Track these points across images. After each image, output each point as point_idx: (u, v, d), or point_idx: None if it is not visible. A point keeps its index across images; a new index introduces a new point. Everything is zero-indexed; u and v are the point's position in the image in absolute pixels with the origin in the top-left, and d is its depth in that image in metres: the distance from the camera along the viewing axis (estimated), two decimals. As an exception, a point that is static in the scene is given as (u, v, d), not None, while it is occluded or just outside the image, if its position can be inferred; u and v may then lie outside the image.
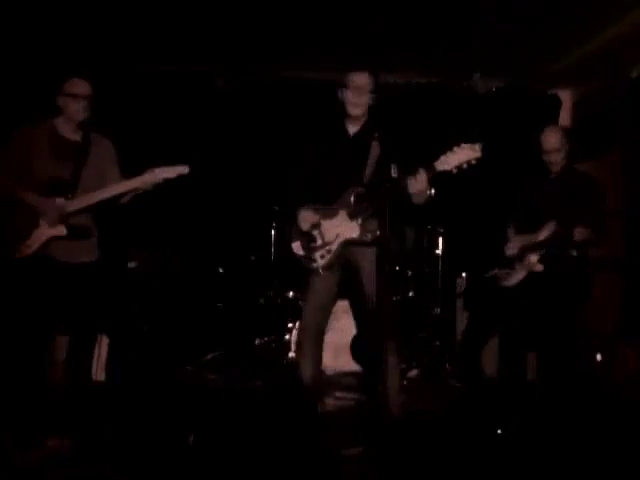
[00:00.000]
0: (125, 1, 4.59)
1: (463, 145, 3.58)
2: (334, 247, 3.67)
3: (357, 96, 3.70)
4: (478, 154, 3.60)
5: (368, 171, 3.71)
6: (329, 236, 3.68)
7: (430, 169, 3.58)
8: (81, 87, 3.62)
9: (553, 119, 5.91)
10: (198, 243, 5.79)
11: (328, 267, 3.68)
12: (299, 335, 3.82)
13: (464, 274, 5.69)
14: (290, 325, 4.98)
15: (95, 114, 3.70)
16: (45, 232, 3.52)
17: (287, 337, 4.97)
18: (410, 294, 5.44)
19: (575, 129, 6.07)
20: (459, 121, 6.09)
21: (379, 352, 3.40)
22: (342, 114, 3.77)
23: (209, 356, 5.27)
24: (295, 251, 3.72)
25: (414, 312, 5.46)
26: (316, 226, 3.68)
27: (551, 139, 4.01)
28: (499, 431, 3.60)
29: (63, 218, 3.53)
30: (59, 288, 3.55)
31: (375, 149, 3.74)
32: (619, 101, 5.43)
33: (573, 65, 5.59)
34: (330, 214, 3.69)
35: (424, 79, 6.06)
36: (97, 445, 3.36)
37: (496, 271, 4.18)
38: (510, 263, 4.11)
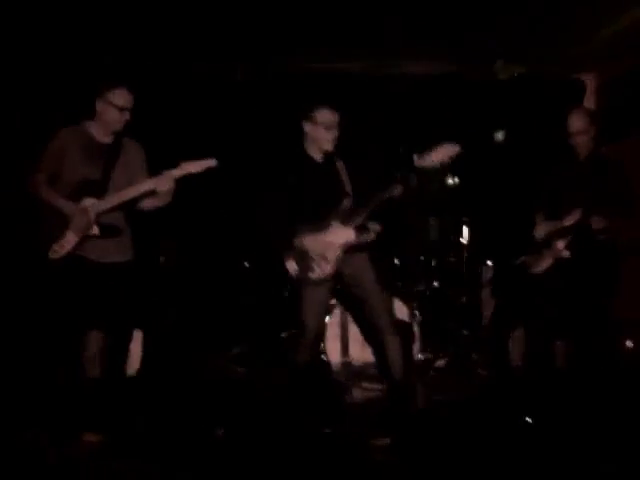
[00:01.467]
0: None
1: (442, 144, 3.75)
2: (331, 254, 3.79)
3: (330, 133, 3.86)
4: (456, 149, 3.78)
5: (347, 186, 3.91)
6: (325, 246, 3.80)
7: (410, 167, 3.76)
8: (126, 99, 3.65)
9: (577, 104, 5.83)
10: (224, 237, 5.82)
11: (326, 275, 3.79)
12: (301, 340, 3.90)
13: (489, 262, 5.66)
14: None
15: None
16: (78, 233, 3.56)
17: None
18: (435, 284, 5.43)
19: (600, 113, 6.00)
20: (483, 108, 6.06)
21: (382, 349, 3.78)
22: (302, 143, 3.94)
23: (236, 350, 5.31)
24: (292, 272, 3.82)
25: (440, 302, 5.45)
26: (307, 241, 3.79)
27: (578, 121, 3.98)
28: (529, 419, 3.59)
29: (91, 222, 3.56)
30: (94, 288, 3.58)
31: (342, 168, 3.96)
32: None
33: (596, 49, 5.50)
34: (322, 228, 3.83)
35: (446, 67, 6.01)
36: (130, 440, 3.41)
37: (524, 258, 4.15)
38: (538, 250, 4.08)
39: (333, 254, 3.80)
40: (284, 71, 5.93)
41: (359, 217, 3.82)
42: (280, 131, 5.88)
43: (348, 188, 3.95)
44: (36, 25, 4.97)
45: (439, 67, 6.01)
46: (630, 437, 3.32)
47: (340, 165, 4.01)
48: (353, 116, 5.56)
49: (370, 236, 3.86)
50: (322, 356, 4.77)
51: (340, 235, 3.81)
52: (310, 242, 3.80)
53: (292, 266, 3.81)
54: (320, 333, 4.03)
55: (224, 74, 5.90)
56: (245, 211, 5.71)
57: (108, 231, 3.61)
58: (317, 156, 3.97)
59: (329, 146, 3.91)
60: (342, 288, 4.00)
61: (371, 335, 4.03)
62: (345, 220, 3.83)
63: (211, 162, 3.61)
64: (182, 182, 3.66)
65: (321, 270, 3.78)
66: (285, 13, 4.91)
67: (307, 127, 3.91)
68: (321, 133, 3.87)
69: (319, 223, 3.85)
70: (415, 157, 3.71)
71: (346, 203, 3.87)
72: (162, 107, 5.63)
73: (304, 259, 3.80)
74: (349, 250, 3.83)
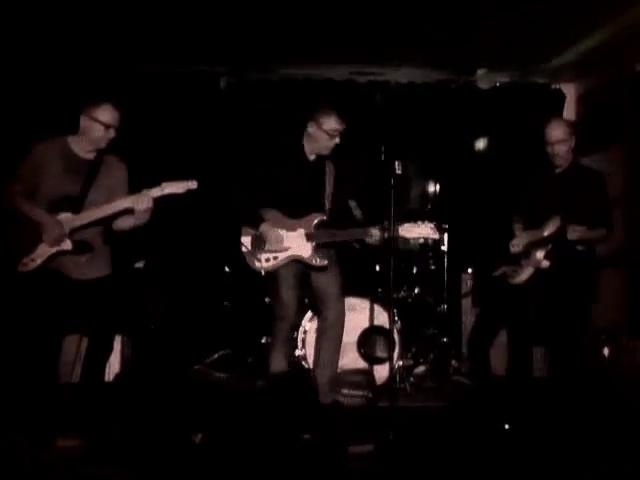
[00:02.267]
0: (127, 1, 4.60)
1: (427, 223, 3.92)
2: (281, 257, 3.93)
3: (331, 141, 3.94)
4: (437, 236, 4.01)
5: (327, 196, 4.02)
6: (281, 246, 3.91)
7: (382, 231, 3.89)
8: (112, 116, 3.61)
9: (557, 113, 5.90)
10: (204, 243, 5.79)
11: (269, 271, 3.94)
12: (278, 328, 4.08)
13: (470, 270, 5.69)
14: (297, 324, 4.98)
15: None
16: (50, 247, 3.52)
17: (294, 335, 4.97)
18: (416, 291, 5.44)
19: (579, 123, 6.06)
20: (464, 117, 6.10)
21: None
22: (300, 138, 4.01)
23: (216, 355, 5.29)
24: (242, 245, 3.96)
25: (420, 309, 5.46)
26: (271, 233, 3.89)
27: (556, 131, 4.01)
28: (507, 426, 3.60)
29: (64, 235, 3.52)
30: (68, 300, 3.55)
31: (330, 172, 4.04)
32: (624, 95, 5.42)
33: (577, 59, 5.59)
34: (290, 227, 3.94)
35: (429, 76, 6.05)
36: (107, 445, 3.38)
37: (504, 269, 4.17)
38: (517, 260, 4.10)
39: (282, 258, 3.93)
40: (266, 78, 5.94)
41: (322, 239, 3.95)
42: (263, 139, 5.90)
43: (328, 197, 4.02)
44: (17, 36, 4.95)
45: (422, 75, 6.06)
46: (607, 444, 3.34)
47: (330, 170, 4.05)
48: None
49: (323, 263, 3.97)
50: (302, 362, 4.76)
51: (297, 246, 3.94)
52: (272, 235, 3.89)
53: (246, 242, 3.95)
54: (295, 316, 4.12)
55: (207, 83, 5.89)
56: (225, 216, 5.71)
57: (81, 247, 3.57)
58: (311, 156, 4.02)
59: (326, 151, 3.98)
60: (306, 280, 4.12)
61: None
62: (309, 235, 3.95)
63: (192, 184, 3.61)
64: (161, 200, 3.64)
65: (265, 264, 3.92)
66: (267, 22, 4.92)
67: (311, 128, 3.95)
68: (322, 138, 3.93)
69: (288, 220, 3.95)
70: (400, 227, 3.85)
71: (318, 217, 3.97)
72: (145, 115, 5.61)
73: (259, 244, 3.92)
74: (306, 265, 3.96)
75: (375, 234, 3.91)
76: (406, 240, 3.99)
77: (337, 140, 3.94)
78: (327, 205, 4.05)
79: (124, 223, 3.69)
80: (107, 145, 3.66)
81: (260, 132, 5.64)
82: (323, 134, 3.91)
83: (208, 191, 5.18)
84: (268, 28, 5.02)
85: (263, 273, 3.95)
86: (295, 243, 3.94)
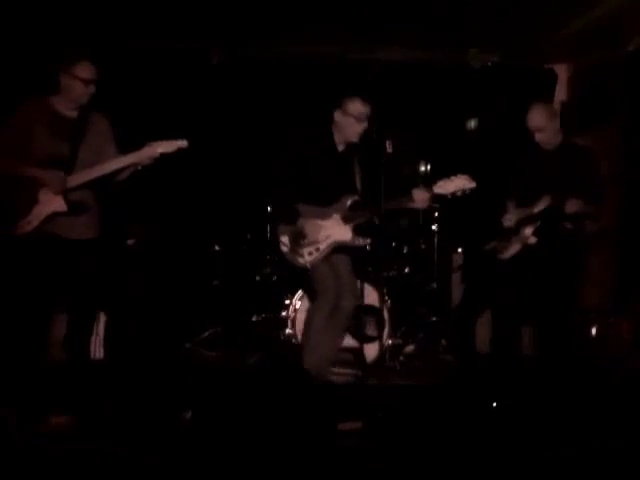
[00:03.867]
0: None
1: (460, 175, 3.79)
2: (323, 246, 3.85)
3: (359, 125, 3.87)
4: (473, 184, 3.82)
5: (358, 184, 3.96)
6: (321, 235, 3.84)
7: (428, 190, 3.80)
8: (90, 72, 3.60)
9: (549, 94, 5.89)
10: (194, 220, 5.78)
11: (314, 264, 3.84)
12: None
13: (460, 249, 5.71)
14: (287, 302, 4.99)
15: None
16: (45, 208, 3.51)
17: (284, 314, 4.99)
18: (406, 270, 5.46)
19: (572, 103, 6.05)
20: (456, 96, 6.08)
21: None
22: (331, 130, 3.95)
23: (206, 333, 5.30)
24: (282, 245, 3.89)
25: (410, 288, 5.48)
26: (309, 226, 3.83)
27: (535, 118, 4.00)
28: (494, 404, 3.64)
29: (65, 185, 3.51)
30: (60, 265, 3.55)
31: (356, 158, 4.00)
32: (616, 74, 5.41)
33: (569, 39, 5.56)
34: (324, 215, 3.86)
35: (420, 55, 6.02)
36: (98, 422, 3.39)
37: (493, 244, 4.19)
38: (507, 236, 4.12)
39: (324, 247, 3.86)
40: (258, 55, 5.90)
41: (360, 219, 3.88)
42: (255, 116, 5.87)
43: (359, 184, 3.98)
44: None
45: (412, 54, 6.02)
46: (592, 422, 3.38)
47: (358, 159, 4.02)
48: (325, 102, 5.55)
49: (365, 241, 3.94)
50: (292, 341, 4.78)
51: (337, 231, 3.87)
52: (310, 227, 3.84)
53: (284, 242, 3.87)
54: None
55: (199, 57, 5.84)
56: (216, 193, 5.67)
57: (76, 208, 3.56)
58: (340, 145, 3.99)
59: (355, 138, 3.93)
60: None
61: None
62: (346, 217, 3.88)
63: (182, 143, 3.58)
64: (154, 162, 3.61)
65: (309, 258, 3.84)
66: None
67: (337, 116, 3.92)
68: (350, 124, 3.89)
69: (322, 209, 3.88)
70: (434, 186, 3.78)
71: (351, 199, 3.91)
72: (136, 91, 5.57)
73: (297, 240, 3.84)
74: (339, 249, 3.89)
75: (419, 195, 3.80)
76: (443, 198, 3.80)
77: (365, 124, 3.88)
78: (359, 187, 4.00)
79: (121, 175, 3.69)
80: (89, 101, 3.64)
81: (264, 114, 5.61)
82: (350, 118, 3.87)
83: (198, 168, 5.19)
84: (259, 4, 4.98)
85: (309, 267, 3.85)
86: (334, 229, 3.87)
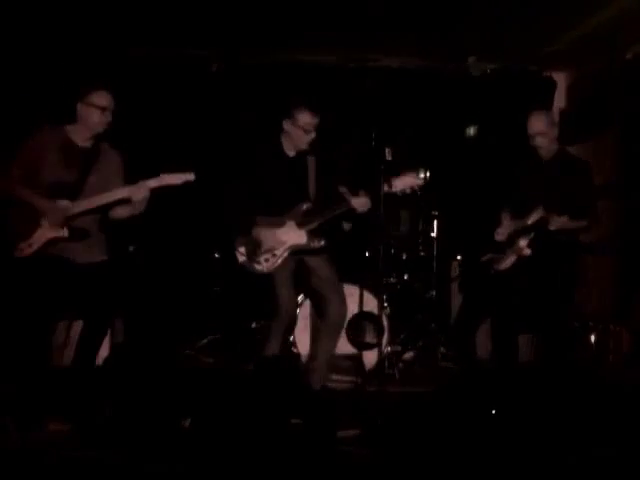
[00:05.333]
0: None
1: (409, 172, 3.92)
2: (279, 252, 3.95)
3: (307, 135, 3.95)
4: (421, 181, 3.96)
5: (311, 188, 4.05)
6: (276, 242, 3.94)
7: (367, 194, 3.94)
8: (107, 100, 3.66)
9: (548, 101, 5.91)
10: (194, 228, 5.78)
11: (272, 269, 3.95)
12: (274, 323, 4.08)
13: (459, 257, 5.71)
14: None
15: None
16: (46, 233, 3.55)
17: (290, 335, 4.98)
18: (405, 277, 5.46)
19: (570, 111, 6.07)
20: (455, 103, 6.10)
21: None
22: (279, 137, 4.03)
23: (206, 340, 5.30)
24: (238, 256, 4.00)
25: (409, 295, 5.48)
26: (264, 233, 3.93)
27: (537, 123, 4.01)
28: (494, 412, 3.63)
29: (65, 220, 3.56)
30: (63, 285, 3.56)
31: (311, 164, 4.06)
32: (614, 83, 5.43)
33: (568, 47, 5.58)
34: (280, 223, 3.97)
35: (420, 62, 6.04)
36: (96, 429, 3.39)
37: (491, 255, 4.20)
38: (502, 247, 4.13)
39: (281, 252, 3.95)
40: (257, 63, 5.91)
41: (314, 223, 3.97)
42: (252, 123, 5.88)
43: (312, 188, 4.05)
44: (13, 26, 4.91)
45: (412, 62, 6.04)
46: (591, 430, 3.38)
47: (311, 163, 4.08)
48: (324, 109, 5.55)
49: (320, 243, 4.00)
50: (292, 348, 4.77)
51: (292, 236, 3.97)
52: (265, 234, 3.93)
53: (241, 252, 3.97)
54: (293, 315, 4.20)
55: (198, 67, 5.86)
56: (212, 198, 5.68)
57: (77, 234, 3.60)
58: (290, 152, 4.04)
59: (305, 146, 4.00)
60: (303, 276, 4.13)
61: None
62: (300, 222, 3.97)
63: (189, 176, 3.65)
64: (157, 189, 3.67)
65: (266, 264, 3.94)
66: (258, 6, 4.90)
67: (286, 125, 3.98)
68: (299, 134, 3.96)
69: (277, 218, 3.98)
70: (384, 185, 3.86)
71: (305, 205, 4.00)
72: (137, 100, 5.58)
73: (255, 249, 3.94)
74: (304, 252, 3.99)
75: (358, 200, 3.93)
76: (395, 197, 3.90)
77: (313, 134, 3.95)
78: (312, 195, 4.06)
79: (121, 212, 3.73)
80: (105, 130, 3.70)
81: (248, 123, 5.64)
82: (299, 130, 3.93)
83: (200, 178, 5.17)
84: (259, 12, 5.00)
85: (266, 272, 3.94)
86: (289, 235, 3.97)
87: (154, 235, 5.58)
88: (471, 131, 6.35)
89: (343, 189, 4.04)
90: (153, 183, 3.62)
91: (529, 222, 3.90)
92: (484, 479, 2.92)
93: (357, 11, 4.94)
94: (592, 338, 4.81)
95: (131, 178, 3.73)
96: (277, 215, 4.00)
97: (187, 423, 3.47)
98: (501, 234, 4.12)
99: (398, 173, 3.88)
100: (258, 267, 3.95)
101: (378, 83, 5.88)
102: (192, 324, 5.40)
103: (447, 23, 5.15)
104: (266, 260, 3.94)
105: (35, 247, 3.53)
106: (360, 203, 3.95)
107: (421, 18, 5.05)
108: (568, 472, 2.96)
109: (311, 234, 3.98)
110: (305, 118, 3.92)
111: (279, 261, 3.96)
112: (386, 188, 3.87)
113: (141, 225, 5.37)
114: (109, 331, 4.52)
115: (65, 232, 3.57)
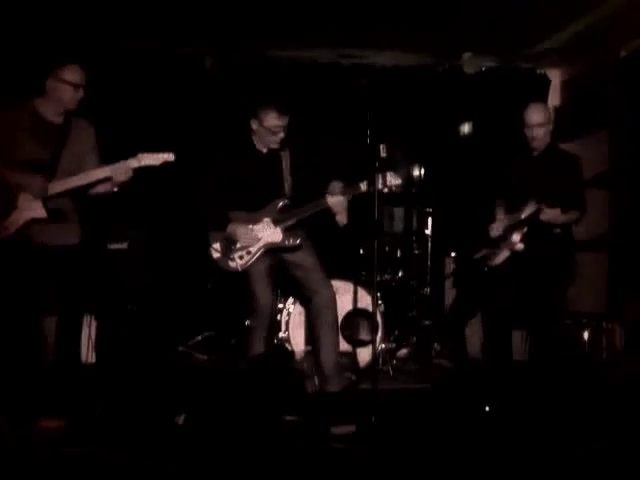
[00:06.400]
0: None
1: (388, 172, 3.87)
2: (254, 249, 3.93)
3: (276, 136, 3.90)
4: (399, 181, 3.91)
5: (287, 184, 4.01)
6: (251, 239, 3.92)
7: (354, 189, 3.90)
8: (79, 75, 3.53)
9: (542, 99, 5.91)
10: (188, 224, 5.76)
11: (246, 267, 3.93)
12: (254, 324, 4.09)
13: (453, 254, 5.71)
14: (280, 306, 4.98)
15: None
16: (24, 214, 3.44)
17: (277, 317, 4.98)
18: (399, 274, 5.46)
19: (564, 108, 6.08)
20: (449, 101, 6.10)
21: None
22: (249, 133, 3.96)
23: (200, 337, 5.29)
24: (213, 252, 3.97)
25: (404, 292, 5.49)
26: (239, 230, 3.89)
27: (535, 114, 4.03)
28: (487, 408, 3.64)
29: (47, 189, 3.45)
30: (42, 270, 3.50)
31: (286, 160, 4.01)
32: (608, 80, 5.44)
33: (562, 45, 5.59)
34: (255, 220, 3.94)
35: (414, 59, 6.04)
36: (89, 426, 3.38)
37: (485, 251, 4.21)
38: (496, 243, 4.13)
39: (256, 250, 3.93)
40: (252, 60, 5.89)
41: (289, 220, 3.95)
42: (240, 119, 5.86)
43: (287, 184, 4.02)
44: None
45: (407, 59, 6.04)
46: (584, 426, 3.39)
47: (286, 158, 4.03)
48: (316, 105, 5.56)
49: (296, 242, 3.98)
50: (286, 345, 4.77)
51: (267, 234, 3.95)
52: (240, 231, 3.90)
53: (215, 248, 3.95)
54: (271, 312, 4.16)
55: (192, 63, 5.84)
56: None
57: (56, 215, 3.50)
58: (262, 148, 4.00)
59: (275, 145, 3.96)
60: (285, 273, 4.11)
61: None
62: (276, 220, 3.95)
63: (169, 156, 3.58)
64: (144, 180, 3.62)
65: (240, 262, 3.92)
66: (253, 2, 4.88)
67: (254, 124, 3.93)
68: (266, 134, 3.91)
69: (252, 214, 3.95)
70: (361, 184, 3.86)
71: (281, 202, 3.97)
72: (127, 93, 5.55)
73: (229, 245, 3.92)
74: (279, 250, 3.97)
75: (333, 199, 3.89)
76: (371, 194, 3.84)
77: (282, 135, 3.89)
78: (288, 191, 4.02)
79: (101, 188, 3.64)
80: (77, 106, 3.58)
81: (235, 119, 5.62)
82: (265, 130, 3.87)
83: (191, 172, 5.16)
84: (253, 9, 4.98)
85: (240, 270, 3.92)
86: (264, 232, 3.95)
87: (147, 232, 5.56)
88: (465, 128, 6.35)
89: (339, 183, 3.98)
90: (133, 163, 3.53)
91: (523, 216, 3.91)
92: (478, 476, 2.92)
93: (351, 8, 4.94)
94: (585, 334, 4.83)
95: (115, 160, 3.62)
96: (252, 211, 3.96)
97: (181, 420, 3.47)
98: (496, 229, 4.12)
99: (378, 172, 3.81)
100: (232, 264, 3.92)
101: (373, 80, 5.86)
102: (186, 321, 5.38)
103: (441, 21, 5.14)
104: (240, 257, 3.92)
105: (12, 229, 3.42)
106: (335, 202, 3.90)
107: (415, 16, 5.05)
108: (561, 468, 2.96)
109: (286, 232, 3.95)
110: (271, 120, 3.84)
111: (253, 259, 3.94)
112: (364, 187, 3.85)
113: (134, 221, 5.42)
114: (90, 329, 4.52)
115: (43, 213, 3.45)
